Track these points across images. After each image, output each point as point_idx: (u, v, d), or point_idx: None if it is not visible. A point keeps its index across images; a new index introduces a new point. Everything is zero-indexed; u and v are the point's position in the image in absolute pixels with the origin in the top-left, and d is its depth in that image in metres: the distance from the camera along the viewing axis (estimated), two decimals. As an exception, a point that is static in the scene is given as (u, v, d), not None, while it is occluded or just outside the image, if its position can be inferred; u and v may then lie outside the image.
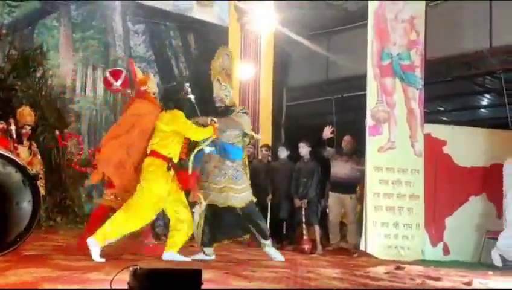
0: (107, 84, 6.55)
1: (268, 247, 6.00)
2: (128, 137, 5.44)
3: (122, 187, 5.53)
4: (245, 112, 5.98)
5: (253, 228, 5.87)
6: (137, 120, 5.48)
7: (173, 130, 5.34)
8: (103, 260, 4.81)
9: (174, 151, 5.35)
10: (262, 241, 5.96)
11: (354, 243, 7.92)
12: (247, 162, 6.04)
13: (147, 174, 5.24)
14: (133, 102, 5.74)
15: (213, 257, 5.83)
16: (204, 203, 5.67)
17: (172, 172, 5.34)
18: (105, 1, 11.06)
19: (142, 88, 5.68)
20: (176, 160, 5.40)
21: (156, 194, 5.22)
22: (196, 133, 5.45)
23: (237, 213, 5.78)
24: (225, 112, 5.83)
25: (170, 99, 5.58)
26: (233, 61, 6.06)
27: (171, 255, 5.35)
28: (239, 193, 5.74)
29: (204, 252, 5.81)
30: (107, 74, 6.53)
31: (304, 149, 8.18)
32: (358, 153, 8.22)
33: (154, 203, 5.22)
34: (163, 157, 5.28)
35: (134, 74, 5.88)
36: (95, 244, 4.87)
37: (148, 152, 5.34)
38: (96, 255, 4.84)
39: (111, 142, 5.52)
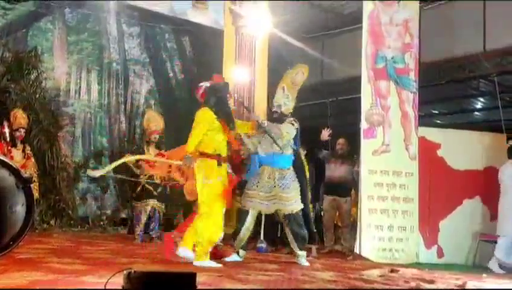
0: None
1: (302, 258, 6.04)
2: None
3: None
4: (292, 123, 6.05)
5: (292, 236, 5.97)
6: None
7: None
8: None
9: (218, 146, 5.38)
10: (297, 251, 6.03)
11: (348, 246, 7.93)
12: (305, 170, 6.37)
13: (200, 175, 5.32)
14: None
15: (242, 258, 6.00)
16: (252, 212, 5.93)
17: (224, 165, 5.44)
18: (100, 3, 11.02)
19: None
20: (223, 154, 5.43)
21: (217, 188, 5.30)
22: (190, 140, 5.39)
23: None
24: (278, 119, 6.05)
25: (213, 95, 5.54)
26: (304, 77, 6.25)
27: (184, 251, 5.26)
28: (287, 201, 5.89)
29: (238, 254, 5.96)
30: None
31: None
32: (354, 155, 8.23)
33: (219, 196, 5.31)
34: (211, 156, 5.34)
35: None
36: (185, 250, 5.15)
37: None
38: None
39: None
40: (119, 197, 10.84)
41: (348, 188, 8.36)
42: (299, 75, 6.21)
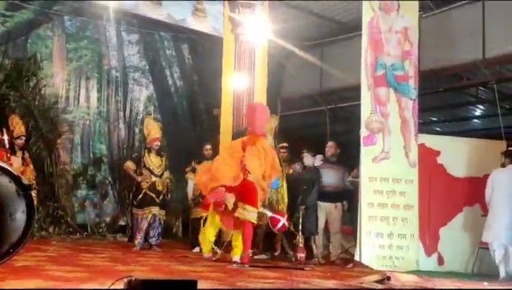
0: (276, 222, 7.08)
1: None
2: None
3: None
4: None
5: None
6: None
7: None
8: None
9: None
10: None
11: (336, 254, 7.89)
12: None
13: None
14: (258, 139, 6.93)
15: None
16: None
17: None
18: (99, 11, 11.02)
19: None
20: None
21: None
22: None
23: None
24: None
25: None
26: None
27: None
28: None
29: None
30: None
31: (308, 159, 8.10)
32: (349, 163, 8.19)
33: None
34: None
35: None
36: None
37: None
38: None
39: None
40: (118, 205, 10.82)
41: (337, 194, 8.19)
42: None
